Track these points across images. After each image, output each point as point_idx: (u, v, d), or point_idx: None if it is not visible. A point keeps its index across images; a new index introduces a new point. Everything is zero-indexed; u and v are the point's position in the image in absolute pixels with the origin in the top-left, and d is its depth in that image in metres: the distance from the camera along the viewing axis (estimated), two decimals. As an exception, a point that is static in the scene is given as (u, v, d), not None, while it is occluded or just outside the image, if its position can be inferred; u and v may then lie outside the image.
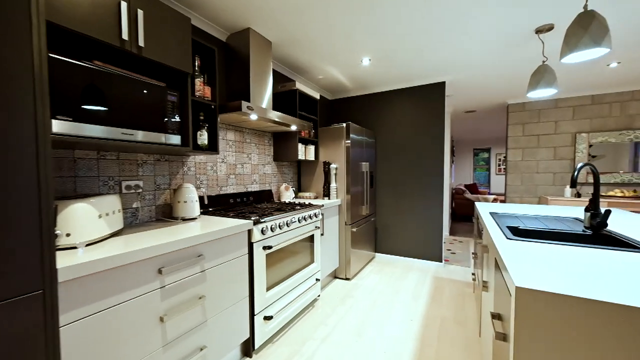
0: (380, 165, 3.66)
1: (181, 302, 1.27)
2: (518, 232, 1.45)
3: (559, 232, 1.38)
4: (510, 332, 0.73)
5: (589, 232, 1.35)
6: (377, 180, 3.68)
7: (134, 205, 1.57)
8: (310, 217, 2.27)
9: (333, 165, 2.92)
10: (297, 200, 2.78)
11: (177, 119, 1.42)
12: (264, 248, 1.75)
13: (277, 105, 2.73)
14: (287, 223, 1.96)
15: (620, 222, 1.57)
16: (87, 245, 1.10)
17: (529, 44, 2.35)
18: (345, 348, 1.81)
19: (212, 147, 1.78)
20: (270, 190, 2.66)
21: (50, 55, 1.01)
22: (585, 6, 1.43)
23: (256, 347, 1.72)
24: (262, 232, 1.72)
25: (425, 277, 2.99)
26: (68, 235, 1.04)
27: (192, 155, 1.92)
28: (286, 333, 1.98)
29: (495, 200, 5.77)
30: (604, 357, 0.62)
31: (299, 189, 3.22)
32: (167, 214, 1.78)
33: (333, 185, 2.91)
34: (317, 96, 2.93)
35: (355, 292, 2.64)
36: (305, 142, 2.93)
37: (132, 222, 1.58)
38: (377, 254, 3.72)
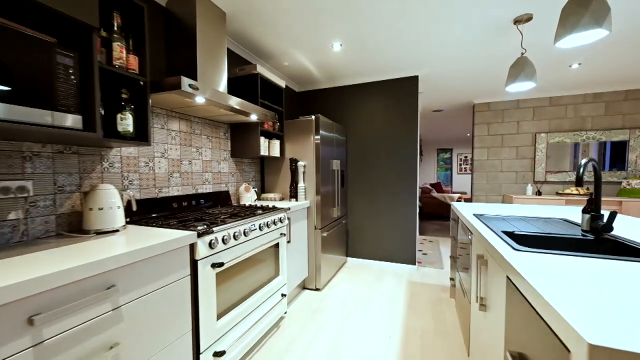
0: (351, 163, 3.42)
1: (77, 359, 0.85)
2: (515, 239, 1.27)
3: (559, 237, 1.21)
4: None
5: (589, 236, 1.20)
6: (349, 179, 3.44)
7: (12, 217, 1.09)
8: (274, 222, 1.93)
9: (301, 163, 2.60)
10: (259, 203, 2.41)
11: (75, 91, 0.98)
12: (214, 266, 1.37)
13: (234, 92, 2.34)
14: (245, 232, 1.59)
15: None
16: None
17: (507, 36, 2.25)
18: (317, 381, 1.51)
19: (141, 136, 1.35)
20: (227, 192, 2.26)
21: None
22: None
23: (203, 394, 1.33)
24: (211, 245, 1.34)
25: (400, 283, 2.81)
26: None
27: (116, 147, 1.47)
28: (244, 367, 1.62)
29: (460, 199, 5.91)
30: None
31: (262, 190, 2.85)
32: (75, 227, 1.31)
33: (301, 185, 2.59)
34: (283, 84, 2.58)
35: (326, 305, 2.34)
36: (269, 135, 2.57)
37: (11, 241, 1.11)
38: (349, 258, 3.48)
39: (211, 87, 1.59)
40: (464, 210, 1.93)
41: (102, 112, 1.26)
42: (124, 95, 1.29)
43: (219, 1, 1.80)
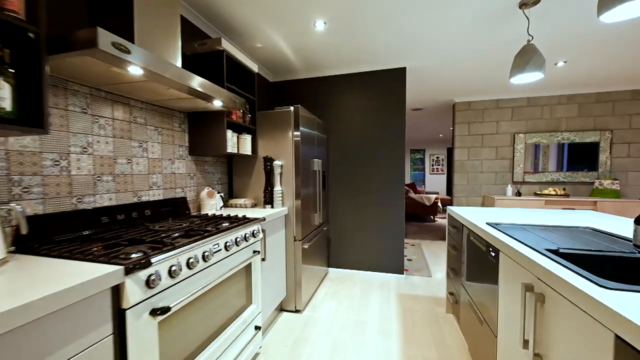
0: (333, 163, 3.08)
1: None
2: (565, 258, 0.99)
3: (613, 256, 0.96)
4: None
5: (650, 253, 0.96)
6: (330, 181, 3.09)
7: None
8: (245, 238, 1.50)
9: (277, 162, 2.19)
10: (226, 212, 1.96)
11: None
12: (155, 313, 0.93)
13: (193, 72, 1.86)
14: (205, 256, 1.16)
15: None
16: None
17: (510, 23, 2.03)
18: None
19: (31, 118, 0.87)
20: (183, 199, 1.78)
21: None
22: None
23: None
24: (149, 284, 0.90)
25: (389, 296, 2.51)
26: None
27: (-3, 137, 0.96)
28: None
29: (437, 200, 5.85)
30: None
31: (230, 195, 2.38)
32: None
33: (277, 188, 2.18)
34: (255, 68, 2.16)
35: (309, 332, 1.96)
36: (239, 129, 2.13)
37: None
38: (330, 269, 3.12)
39: (154, 54, 1.13)
40: (472, 217, 1.66)
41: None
42: (-4, 52, 0.80)
43: (168, -55, 1.35)
